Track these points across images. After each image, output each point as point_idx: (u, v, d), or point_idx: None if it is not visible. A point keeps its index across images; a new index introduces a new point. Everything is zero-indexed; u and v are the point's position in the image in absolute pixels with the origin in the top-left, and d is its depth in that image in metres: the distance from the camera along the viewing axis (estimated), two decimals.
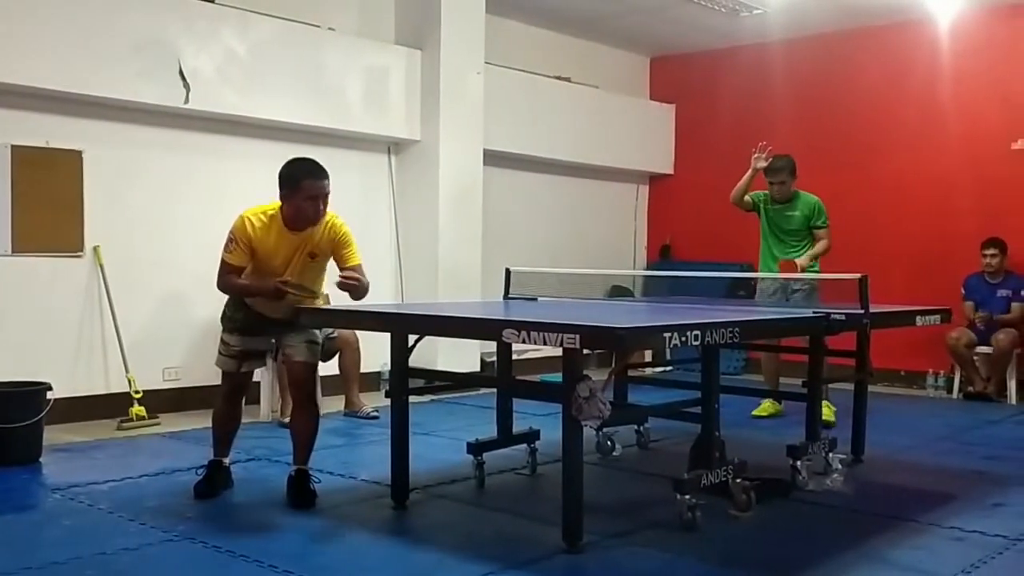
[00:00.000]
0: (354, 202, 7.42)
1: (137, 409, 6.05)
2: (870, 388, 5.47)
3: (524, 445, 4.90)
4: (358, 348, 6.54)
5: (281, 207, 4.20)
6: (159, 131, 6.45)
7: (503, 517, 4.23)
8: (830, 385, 5.58)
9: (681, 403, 4.66)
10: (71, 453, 5.31)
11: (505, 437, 4.86)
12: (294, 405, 4.45)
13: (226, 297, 4.39)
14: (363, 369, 6.71)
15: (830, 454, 4.81)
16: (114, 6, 5.92)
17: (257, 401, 6.40)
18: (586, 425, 3.56)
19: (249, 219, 4.16)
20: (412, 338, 4.35)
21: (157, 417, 6.14)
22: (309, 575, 3.37)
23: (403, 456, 4.26)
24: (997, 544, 3.76)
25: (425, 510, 4.26)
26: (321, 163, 4.25)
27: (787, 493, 4.47)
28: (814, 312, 4.58)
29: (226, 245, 4.18)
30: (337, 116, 7.14)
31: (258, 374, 6.13)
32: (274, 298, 4.15)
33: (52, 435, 5.33)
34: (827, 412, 5.74)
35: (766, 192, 6.46)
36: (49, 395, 5.16)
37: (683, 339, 3.45)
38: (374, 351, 6.68)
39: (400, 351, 4.29)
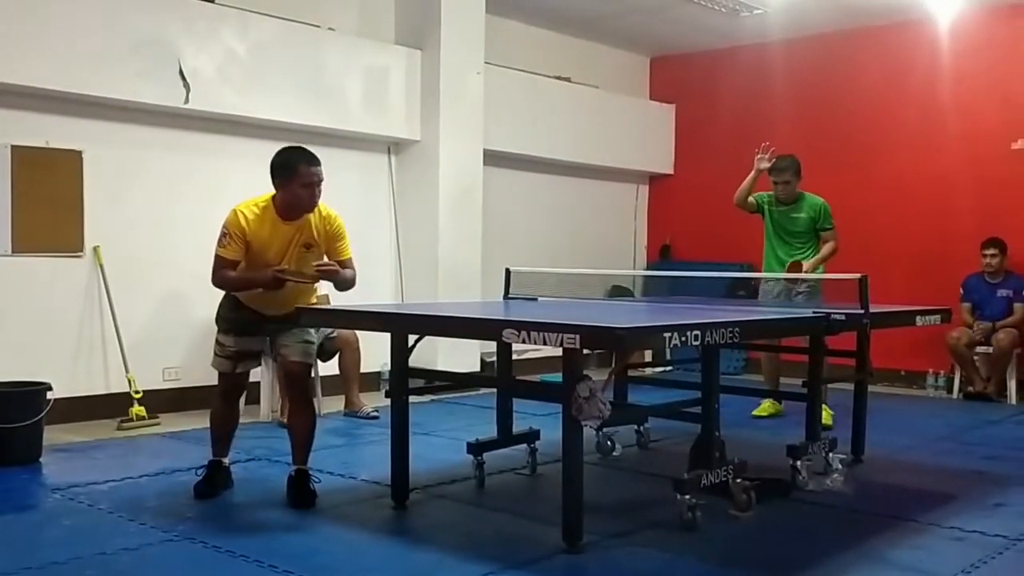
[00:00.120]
0: (354, 202, 7.43)
1: (137, 409, 6.05)
2: (870, 388, 5.47)
3: (524, 445, 4.90)
4: (358, 348, 6.54)
5: (274, 197, 4.19)
6: (159, 131, 6.45)
7: (503, 517, 4.23)
8: (830, 385, 5.58)
9: (681, 403, 4.66)
10: (71, 453, 5.31)
11: (505, 437, 4.86)
12: (290, 405, 4.46)
13: (222, 296, 4.39)
14: (363, 369, 6.71)
15: (830, 454, 4.81)
16: (114, 6, 5.92)
17: (257, 401, 6.40)
18: (586, 425, 3.56)
19: (242, 212, 4.15)
20: (412, 338, 4.35)
21: (157, 417, 6.14)
22: (309, 575, 3.37)
23: (403, 456, 4.26)
24: (997, 544, 3.76)
25: (425, 510, 4.26)
26: (321, 163, 4.25)
27: (787, 493, 4.47)
28: (814, 312, 4.58)
29: (220, 240, 4.16)
30: (337, 116, 7.14)
31: (257, 374, 6.15)
32: (273, 287, 4.13)
33: (52, 435, 5.33)
34: (825, 416, 5.73)
35: (770, 193, 6.39)
36: (49, 395, 5.16)
37: (683, 339, 3.45)
38: (374, 351, 6.68)
39: (400, 351, 4.29)
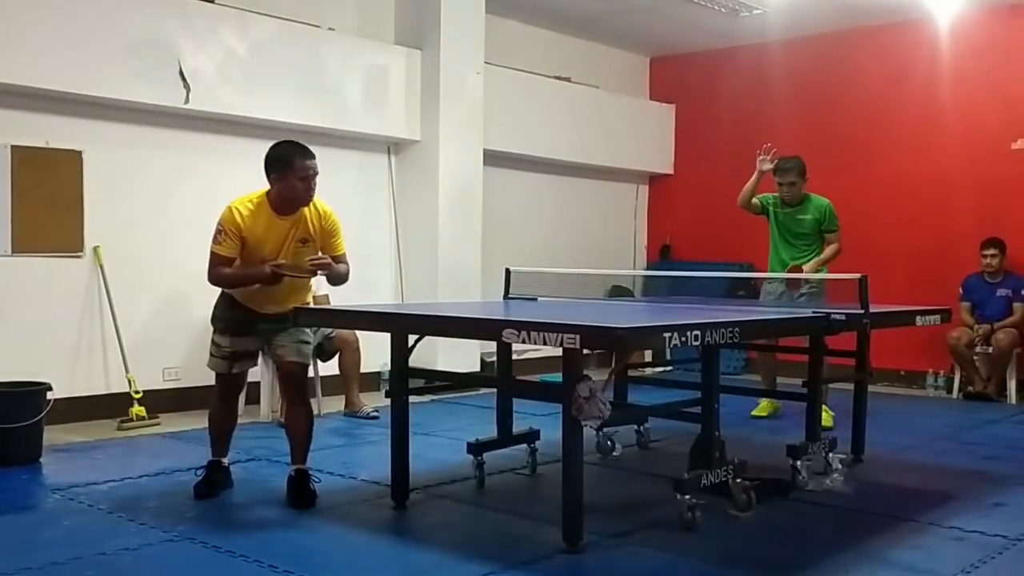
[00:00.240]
0: (354, 202, 7.44)
1: (137, 409, 6.05)
2: (870, 388, 5.46)
3: (524, 445, 4.90)
4: (358, 348, 6.54)
5: (268, 193, 4.19)
6: (159, 131, 6.45)
7: (503, 517, 4.23)
8: (830, 385, 5.58)
9: (681, 403, 4.66)
10: (71, 453, 5.31)
11: (505, 437, 4.86)
12: (287, 405, 4.45)
13: (217, 296, 4.39)
14: (363, 369, 6.71)
15: (830, 454, 4.81)
16: (114, 6, 5.92)
17: (257, 401, 6.41)
18: (586, 425, 3.56)
19: (237, 208, 4.14)
20: (412, 338, 4.35)
21: (157, 417, 6.14)
22: (309, 575, 3.37)
23: (403, 456, 4.26)
24: (997, 544, 3.76)
25: (425, 510, 4.26)
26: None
27: (787, 493, 4.47)
28: (814, 312, 4.58)
29: (215, 237, 4.14)
30: (337, 116, 7.14)
31: (257, 374, 6.16)
32: (270, 283, 4.12)
33: (52, 435, 5.33)
34: (825, 418, 5.72)
35: (775, 194, 6.31)
36: (49, 395, 5.16)
37: (683, 339, 3.45)
38: (374, 351, 6.69)
39: (400, 351, 4.29)
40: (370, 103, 7.36)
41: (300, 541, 3.78)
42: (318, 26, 7.11)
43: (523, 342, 3.49)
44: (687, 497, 3.88)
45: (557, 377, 3.74)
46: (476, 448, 4.66)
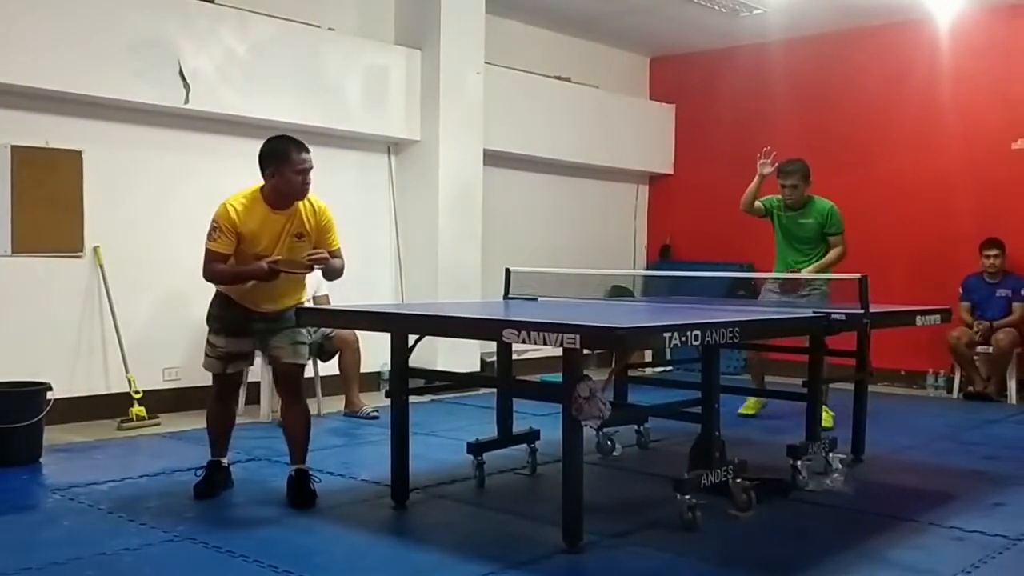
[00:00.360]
0: (354, 202, 7.45)
1: (137, 409, 6.05)
2: (870, 388, 5.46)
3: (524, 445, 4.90)
4: (358, 348, 6.54)
5: (262, 188, 4.18)
6: (159, 131, 6.45)
7: (503, 517, 4.23)
8: (830, 385, 5.58)
9: (681, 403, 4.66)
10: (71, 453, 5.31)
11: (505, 437, 4.86)
12: (284, 405, 4.45)
13: (212, 295, 4.38)
14: (363, 369, 6.71)
15: (830, 454, 4.81)
16: (114, 6, 5.92)
17: (257, 401, 6.41)
18: (586, 425, 3.56)
19: (231, 204, 4.13)
20: (412, 338, 4.35)
21: (157, 417, 6.14)
22: (309, 575, 3.37)
23: (403, 456, 4.26)
24: (997, 544, 3.76)
25: (425, 510, 4.26)
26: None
27: (787, 493, 4.47)
28: (814, 312, 4.58)
29: (209, 234, 4.13)
30: (337, 116, 7.14)
31: (257, 374, 6.16)
32: (267, 279, 4.11)
33: (52, 435, 5.33)
34: (825, 418, 5.71)
35: (779, 197, 6.26)
36: (49, 395, 5.16)
37: (683, 339, 3.45)
38: (374, 351, 6.69)
39: (400, 351, 4.29)
40: (370, 103, 7.36)
41: (300, 541, 3.78)
42: (318, 26, 7.11)
43: (523, 342, 3.49)
44: (687, 497, 3.88)
45: (557, 377, 3.74)
46: (476, 448, 4.66)
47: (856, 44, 8.88)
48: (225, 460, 4.49)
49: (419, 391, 4.92)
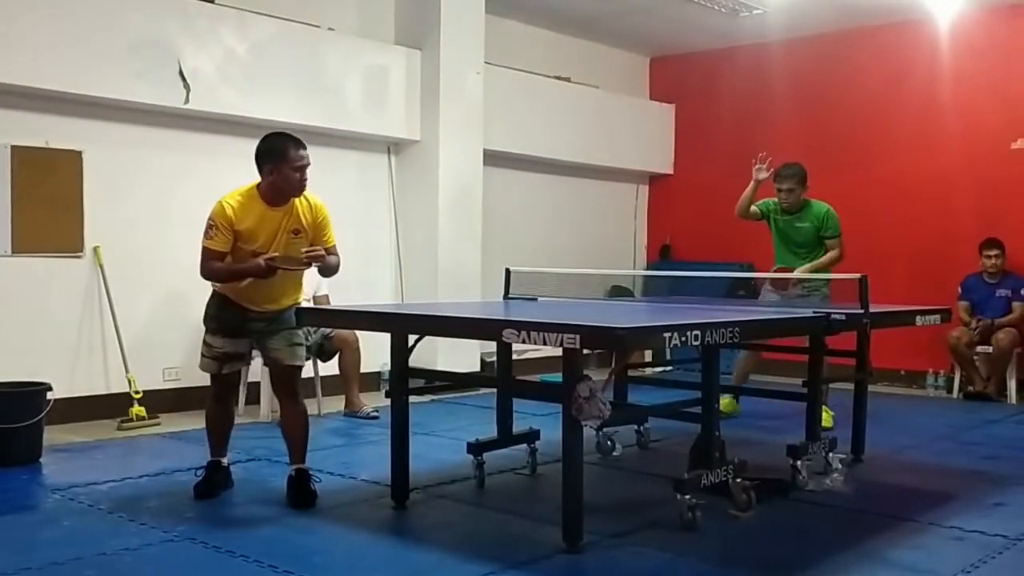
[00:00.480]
0: (354, 202, 7.45)
1: (137, 409, 6.05)
2: (870, 388, 5.46)
3: (524, 445, 4.90)
4: (358, 348, 6.54)
5: (259, 185, 4.18)
6: (159, 131, 6.45)
7: (503, 517, 4.23)
8: (830, 385, 5.58)
9: (681, 403, 4.66)
10: (71, 453, 5.31)
11: (505, 437, 4.86)
12: (281, 406, 4.44)
13: (209, 295, 4.38)
14: (363, 369, 6.70)
15: (830, 454, 4.81)
16: (114, 6, 5.92)
17: (257, 401, 6.41)
18: (586, 425, 3.56)
19: (227, 202, 4.14)
20: (412, 338, 4.35)
21: (157, 417, 6.14)
22: (309, 575, 3.37)
23: (403, 456, 4.26)
24: (997, 544, 3.77)
25: (425, 510, 4.26)
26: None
27: (787, 493, 4.47)
28: (814, 312, 4.57)
29: (206, 232, 4.13)
30: (337, 116, 7.14)
31: (258, 374, 6.16)
32: (265, 276, 4.11)
33: (52, 435, 5.33)
34: (825, 419, 5.71)
35: (776, 200, 6.24)
36: (49, 395, 5.16)
37: (683, 339, 3.45)
38: (374, 351, 6.69)
39: (400, 351, 4.29)
40: (370, 103, 7.36)
41: (300, 541, 3.78)
42: (318, 26, 7.11)
43: (523, 342, 3.49)
44: (687, 497, 3.88)
45: (557, 377, 3.74)
46: (476, 448, 4.66)
47: (856, 44, 8.88)
48: (225, 460, 4.49)
49: (419, 391, 4.92)
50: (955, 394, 7.97)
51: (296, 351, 4.33)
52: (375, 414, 6.42)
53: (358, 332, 6.36)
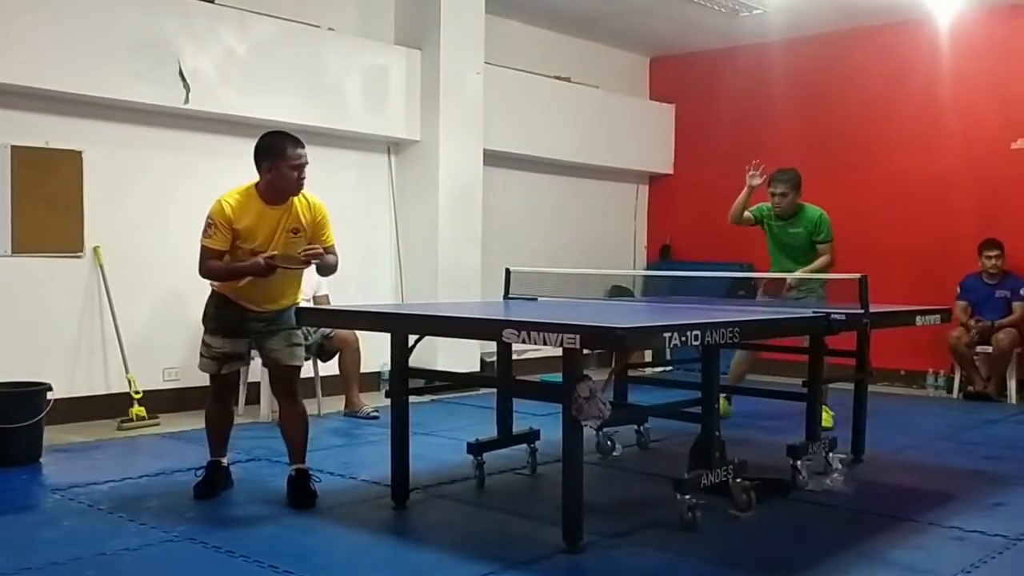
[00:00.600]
0: (354, 202, 7.45)
1: (137, 409, 6.05)
2: (870, 388, 5.46)
3: (524, 445, 4.90)
4: (358, 348, 6.54)
5: (257, 184, 4.18)
6: (159, 131, 6.45)
7: (503, 517, 4.23)
8: (830, 386, 5.58)
9: (681, 403, 4.66)
10: (71, 453, 5.31)
11: (505, 437, 4.86)
12: (280, 406, 4.44)
13: (208, 295, 4.38)
14: (363, 369, 6.70)
15: (830, 454, 4.81)
16: (114, 6, 5.92)
17: (257, 401, 6.40)
18: (586, 425, 3.56)
19: (226, 201, 4.14)
20: (412, 338, 4.35)
21: (157, 417, 6.14)
22: (309, 575, 3.37)
23: (403, 456, 4.26)
24: (997, 544, 3.77)
25: (425, 510, 4.26)
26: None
27: (787, 493, 4.47)
28: (814, 312, 4.58)
29: (205, 231, 4.14)
30: (337, 116, 7.14)
31: (258, 374, 6.16)
32: (264, 274, 4.10)
33: (52, 435, 5.33)
34: (826, 419, 5.71)
35: (770, 205, 6.23)
36: (49, 395, 5.16)
37: (683, 339, 3.45)
38: (374, 351, 6.69)
39: (400, 351, 4.29)
40: (370, 103, 7.36)
41: (300, 541, 3.78)
42: (318, 26, 7.11)
43: (523, 342, 3.49)
44: (687, 497, 3.88)
45: (557, 377, 3.74)
46: (476, 448, 4.66)
47: (856, 44, 8.88)
48: (225, 460, 4.49)
49: (419, 391, 4.93)
50: (955, 394, 7.97)
51: (295, 351, 4.33)
52: (375, 414, 6.42)
53: (358, 332, 6.36)
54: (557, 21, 8.97)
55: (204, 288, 4.40)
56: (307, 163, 4.19)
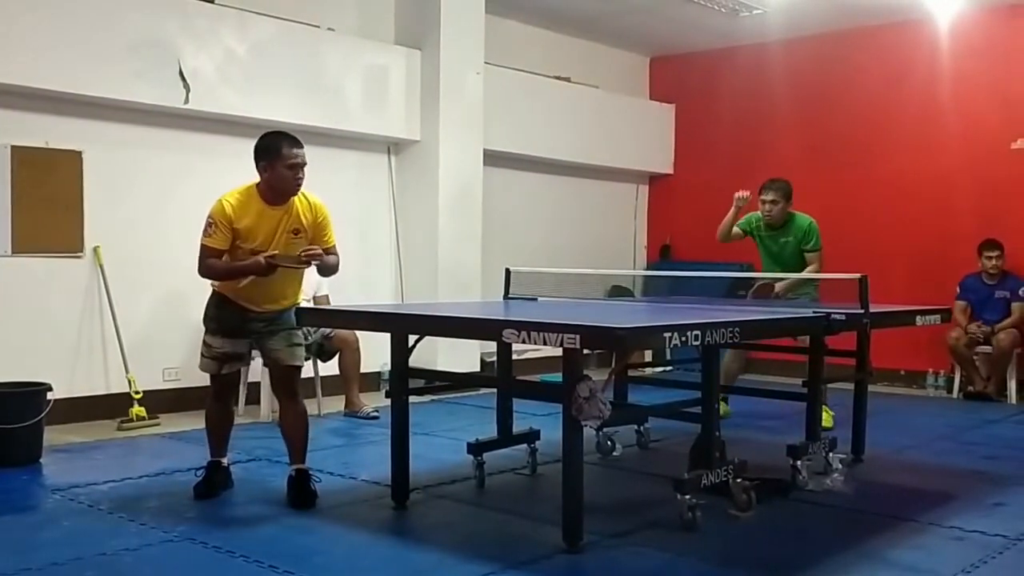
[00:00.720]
0: (354, 202, 7.46)
1: (137, 409, 6.05)
2: (870, 388, 5.46)
3: (524, 445, 4.90)
4: (358, 348, 6.54)
5: (258, 184, 4.19)
6: (159, 131, 6.45)
7: (503, 517, 4.23)
8: (830, 386, 5.58)
9: (681, 403, 4.66)
10: (71, 454, 5.31)
11: (505, 437, 4.86)
12: (281, 405, 4.44)
13: (209, 295, 4.38)
14: (363, 369, 6.70)
15: (830, 454, 4.81)
16: (114, 6, 5.92)
17: (257, 401, 6.41)
18: (586, 425, 3.56)
19: (227, 200, 4.14)
20: (412, 338, 4.35)
21: (157, 417, 6.14)
22: (309, 575, 3.37)
23: (403, 456, 4.26)
24: (997, 544, 3.77)
25: (425, 510, 4.26)
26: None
27: (787, 493, 4.47)
28: (814, 312, 4.57)
29: (205, 230, 4.14)
30: (337, 116, 7.14)
31: (258, 374, 6.16)
32: (264, 274, 4.10)
33: (52, 436, 5.33)
34: (826, 419, 5.71)
35: (758, 215, 6.23)
36: (49, 396, 5.16)
37: (683, 339, 3.45)
38: (374, 351, 6.69)
39: (400, 351, 4.29)
40: (370, 103, 7.36)
41: (300, 541, 3.78)
42: (318, 26, 7.11)
43: (523, 342, 3.49)
44: (687, 497, 3.88)
45: (557, 377, 3.74)
46: (476, 448, 4.66)
47: (856, 44, 8.88)
48: (225, 460, 4.49)
49: (419, 391, 4.92)
50: (955, 394, 7.97)
51: (296, 351, 4.33)
52: (375, 414, 6.42)
53: (358, 332, 6.36)
54: (557, 21, 8.97)
55: (204, 288, 4.40)
56: (305, 163, 4.18)
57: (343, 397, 6.62)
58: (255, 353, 4.51)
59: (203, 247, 4.15)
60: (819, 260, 6.18)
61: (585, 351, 3.62)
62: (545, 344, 3.38)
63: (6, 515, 4.19)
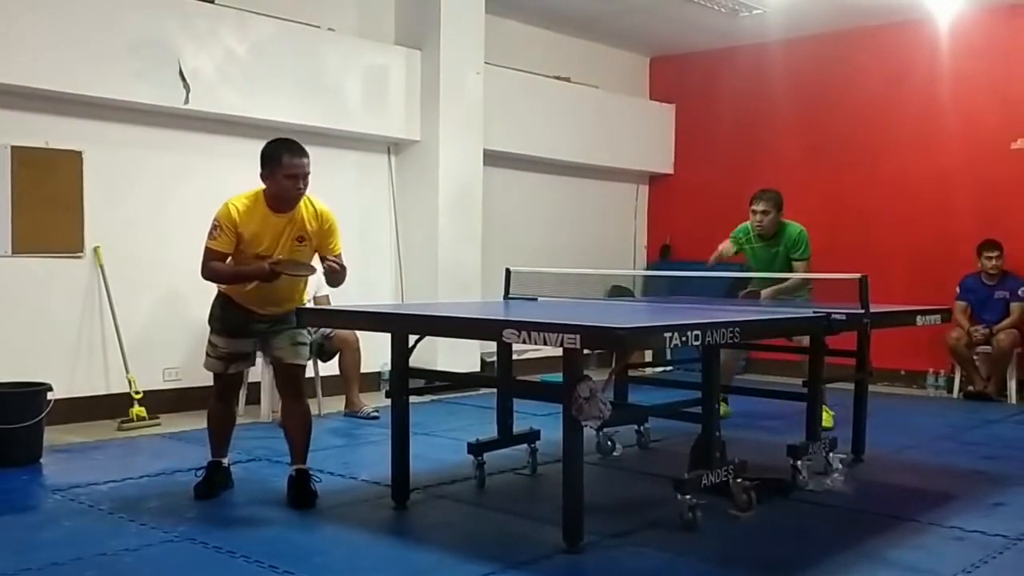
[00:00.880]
0: (354, 202, 7.46)
1: (137, 410, 6.05)
2: (870, 388, 5.46)
3: (524, 445, 4.90)
4: (358, 348, 6.54)
5: (264, 190, 4.20)
6: (159, 131, 6.45)
7: (503, 517, 4.23)
8: (830, 385, 5.57)
9: (681, 403, 4.66)
10: (71, 454, 5.31)
11: (505, 437, 4.86)
12: (284, 404, 4.45)
13: (214, 295, 4.39)
14: (363, 369, 6.71)
15: (830, 454, 4.81)
16: (114, 6, 5.92)
17: (257, 401, 6.41)
18: (586, 425, 3.56)
19: (233, 204, 4.15)
20: (412, 338, 4.35)
21: (157, 417, 6.14)
22: (309, 575, 3.37)
23: (403, 456, 4.26)
24: (997, 544, 3.77)
25: (425, 510, 4.26)
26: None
27: (787, 493, 4.47)
28: (814, 312, 4.57)
29: (210, 232, 4.15)
30: (337, 116, 7.14)
31: (258, 374, 6.17)
32: (267, 280, 4.11)
33: (52, 436, 5.33)
34: (826, 419, 5.71)
35: (747, 227, 6.22)
36: (49, 396, 5.16)
37: (683, 339, 3.45)
38: (374, 351, 6.69)
39: (400, 351, 4.29)
40: (370, 103, 7.36)
41: (300, 541, 3.78)
42: (318, 26, 7.11)
43: (523, 342, 3.49)
44: (687, 497, 3.88)
45: (557, 377, 3.74)
46: (476, 448, 4.66)
47: (856, 44, 8.88)
48: (225, 460, 4.50)
49: (419, 391, 4.92)
50: (955, 394, 7.97)
51: (300, 350, 4.34)
52: (375, 414, 6.42)
53: (358, 332, 6.36)
54: (557, 21, 8.97)
55: (204, 288, 4.40)
56: (306, 172, 4.16)
57: (343, 397, 6.62)
58: (259, 353, 4.51)
59: (207, 249, 4.16)
60: (806, 269, 6.16)
61: (585, 351, 3.62)
62: (545, 344, 3.38)
63: (6, 515, 4.19)
